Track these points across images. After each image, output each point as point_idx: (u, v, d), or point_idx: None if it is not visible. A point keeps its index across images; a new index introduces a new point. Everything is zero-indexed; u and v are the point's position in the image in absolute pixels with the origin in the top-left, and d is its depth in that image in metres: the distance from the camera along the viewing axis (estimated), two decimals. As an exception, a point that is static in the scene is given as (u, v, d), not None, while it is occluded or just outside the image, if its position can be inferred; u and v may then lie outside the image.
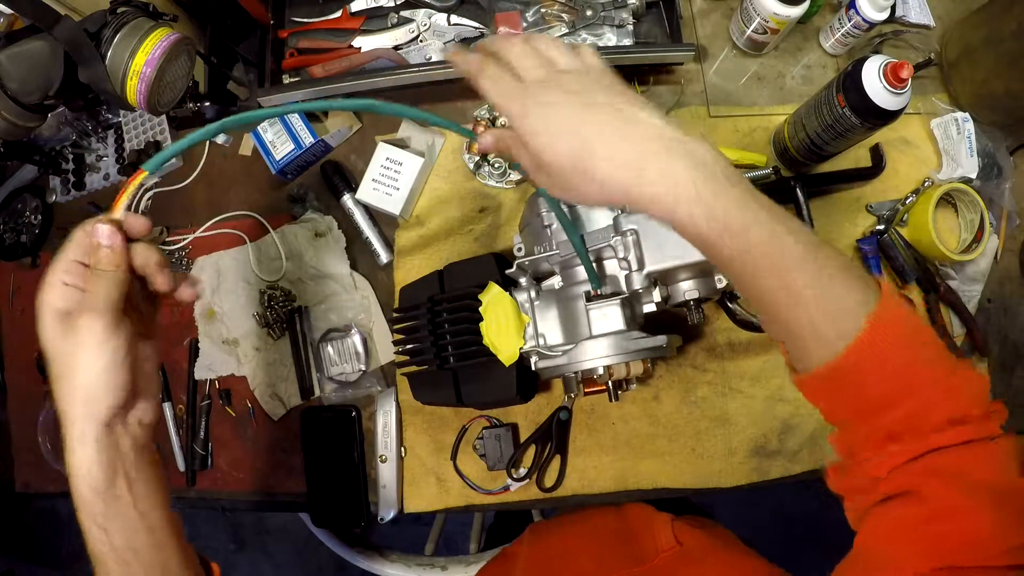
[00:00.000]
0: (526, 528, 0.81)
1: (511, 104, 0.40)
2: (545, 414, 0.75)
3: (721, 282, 0.60)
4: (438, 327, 0.66)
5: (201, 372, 0.83)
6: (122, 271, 0.41)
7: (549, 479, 0.74)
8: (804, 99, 0.73)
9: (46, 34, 0.59)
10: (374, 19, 0.81)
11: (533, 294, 0.64)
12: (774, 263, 0.36)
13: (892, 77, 0.61)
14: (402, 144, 0.80)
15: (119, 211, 0.42)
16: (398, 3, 0.80)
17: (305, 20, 0.82)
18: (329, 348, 0.78)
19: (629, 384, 0.62)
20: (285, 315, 0.81)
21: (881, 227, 0.76)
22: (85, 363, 0.40)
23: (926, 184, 0.77)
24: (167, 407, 0.85)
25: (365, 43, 0.80)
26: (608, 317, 0.59)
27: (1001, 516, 0.34)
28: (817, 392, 0.41)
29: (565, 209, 0.57)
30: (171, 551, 0.45)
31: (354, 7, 0.81)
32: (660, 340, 0.59)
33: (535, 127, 0.39)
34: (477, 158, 0.79)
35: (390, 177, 0.77)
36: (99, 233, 0.41)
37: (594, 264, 0.59)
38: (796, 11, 0.72)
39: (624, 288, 0.58)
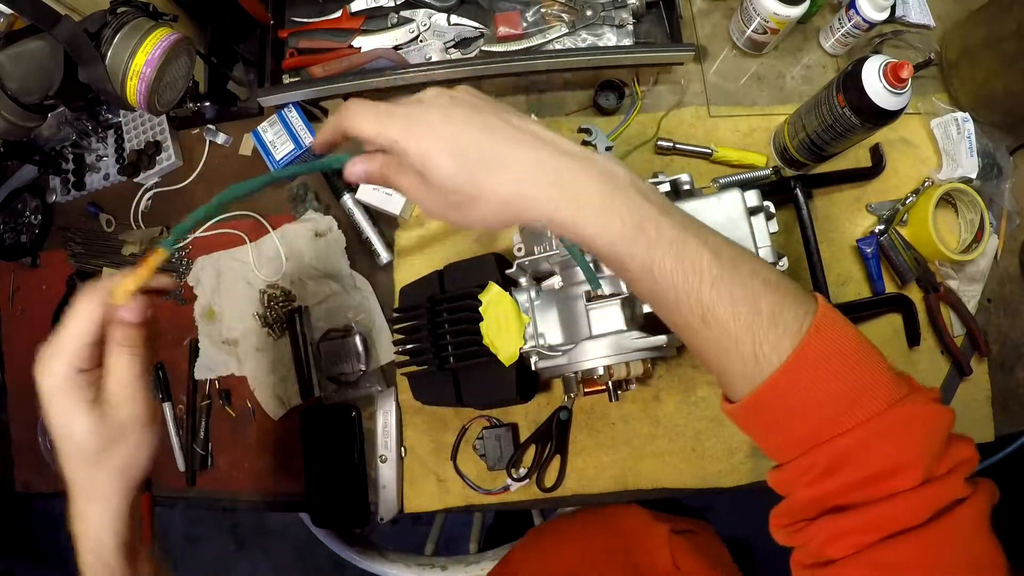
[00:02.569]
0: (527, 532, 0.80)
1: (390, 126, 0.36)
2: (545, 414, 0.75)
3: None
4: (438, 327, 0.66)
5: (201, 372, 0.83)
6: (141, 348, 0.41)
7: (549, 479, 0.74)
8: (804, 99, 0.73)
9: (46, 34, 0.59)
10: (374, 19, 0.81)
11: (533, 294, 0.64)
12: (686, 280, 0.34)
13: (892, 77, 0.61)
14: (402, 144, 0.79)
15: (130, 295, 0.40)
16: (398, 3, 0.80)
17: (305, 20, 0.82)
18: (329, 348, 0.78)
19: (629, 384, 0.62)
20: (285, 315, 0.81)
21: (881, 227, 0.76)
22: (132, 443, 0.40)
23: (926, 184, 0.77)
24: (167, 407, 0.85)
25: (365, 43, 0.80)
26: (608, 317, 0.59)
27: None
28: (746, 423, 0.39)
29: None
30: None
31: (354, 7, 0.81)
32: (660, 340, 0.59)
33: (421, 147, 0.35)
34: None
35: (390, 177, 0.77)
36: (133, 315, 0.40)
37: (591, 264, 0.59)
38: (796, 11, 0.72)
39: (624, 288, 0.58)
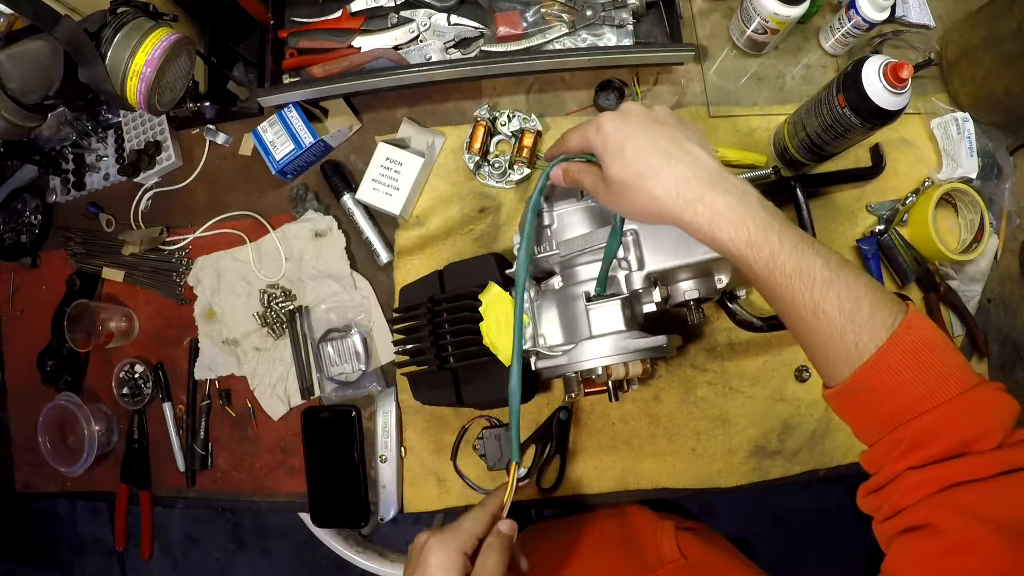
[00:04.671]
0: (528, 527, 0.81)
1: (588, 126, 0.49)
2: (545, 414, 0.75)
3: (721, 282, 0.60)
4: (438, 327, 0.66)
5: (201, 372, 0.83)
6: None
7: (549, 479, 0.74)
8: (804, 99, 0.73)
9: (46, 34, 0.59)
10: (374, 19, 0.81)
11: (533, 294, 0.64)
12: (802, 280, 0.42)
13: (892, 77, 0.61)
14: (402, 144, 0.80)
15: (507, 506, 0.50)
16: (398, 3, 0.80)
17: (305, 20, 0.82)
18: (329, 348, 0.78)
19: (629, 384, 0.62)
20: (285, 315, 0.81)
21: (881, 227, 0.76)
22: None
23: (926, 184, 0.77)
24: (167, 407, 0.85)
25: (365, 43, 0.80)
26: (608, 317, 0.59)
27: (1018, 552, 0.35)
28: (842, 406, 0.45)
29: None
30: None
31: (354, 7, 0.81)
32: (660, 340, 0.59)
33: (608, 144, 0.47)
34: (477, 158, 0.79)
35: (390, 177, 0.77)
36: (509, 528, 0.49)
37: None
38: (796, 11, 0.72)
39: (624, 288, 0.58)
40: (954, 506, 0.37)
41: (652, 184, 0.45)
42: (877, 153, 0.77)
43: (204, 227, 0.86)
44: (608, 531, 0.73)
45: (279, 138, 0.80)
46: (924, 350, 0.40)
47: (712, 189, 0.44)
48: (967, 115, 0.76)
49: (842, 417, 0.46)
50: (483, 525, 0.49)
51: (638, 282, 0.58)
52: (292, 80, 0.82)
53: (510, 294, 0.64)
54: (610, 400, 0.60)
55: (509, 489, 0.51)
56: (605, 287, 0.58)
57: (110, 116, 0.91)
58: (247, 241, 0.84)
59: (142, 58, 0.61)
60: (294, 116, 0.79)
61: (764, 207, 0.44)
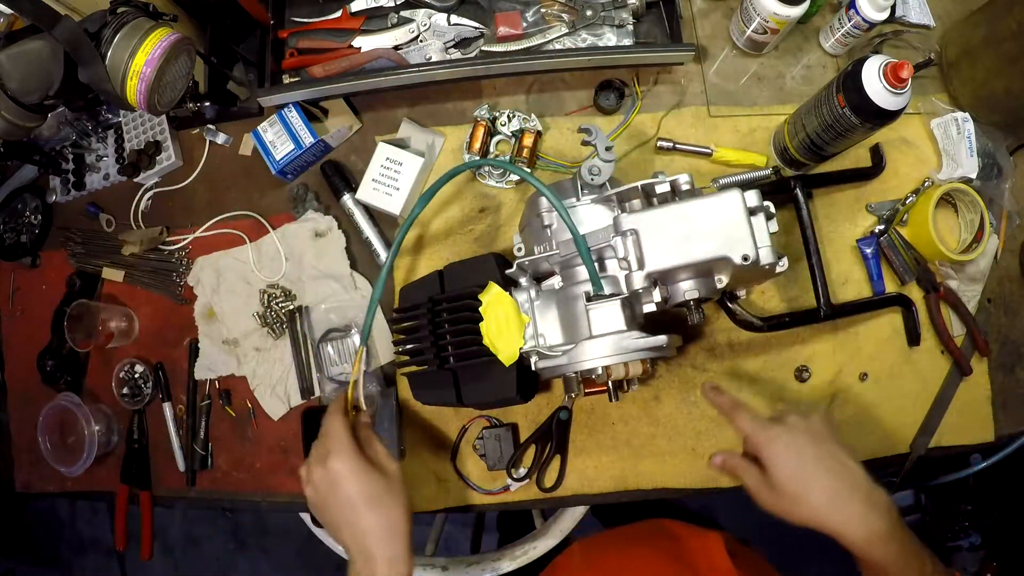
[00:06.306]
0: (574, 543, 0.79)
1: (760, 434, 0.56)
2: (545, 414, 0.75)
3: (721, 282, 0.60)
4: (438, 327, 0.66)
5: (201, 372, 0.83)
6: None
7: (549, 479, 0.74)
8: (804, 99, 0.73)
9: (46, 34, 0.59)
10: (374, 19, 0.81)
11: (533, 294, 0.64)
12: None
13: (892, 77, 0.61)
14: (402, 144, 0.80)
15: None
16: (398, 3, 0.80)
17: (305, 20, 0.82)
18: (329, 348, 0.78)
19: (630, 384, 0.62)
20: (285, 315, 0.81)
21: (881, 227, 0.76)
22: (401, 492, 0.57)
23: (926, 184, 0.77)
24: (167, 407, 0.85)
25: (365, 43, 0.80)
26: (608, 317, 0.59)
27: None
28: None
29: (569, 216, 0.58)
30: None
31: (354, 7, 0.81)
32: (660, 340, 0.59)
33: (775, 458, 0.54)
34: (477, 158, 0.79)
35: (390, 177, 0.77)
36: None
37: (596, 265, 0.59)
38: (796, 11, 0.72)
39: (624, 288, 0.58)
40: None
41: (814, 497, 0.52)
42: (877, 153, 0.77)
43: (204, 227, 0.86)
44: (654, 548, 0.71)
45: (279, 138, 0.80)
46: None
47: (865, 503, 0.51)
48: (967, 115, 0.76)
49: None
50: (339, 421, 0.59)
51: (638, 282, 0.58)
52: (292, 80, 0.82)
53: (510, 294, 0.64)
54: (610, 400, 0.60)
55: (357, 363, 0.63)
56: (600, 285, 0.58)
57: (110, 116, 0.91)
58: (247, 241, 0.84)
59: (142, 58, 0.61)
60: (294, 116, 0.79)
61: (899, 514, 0.51)
